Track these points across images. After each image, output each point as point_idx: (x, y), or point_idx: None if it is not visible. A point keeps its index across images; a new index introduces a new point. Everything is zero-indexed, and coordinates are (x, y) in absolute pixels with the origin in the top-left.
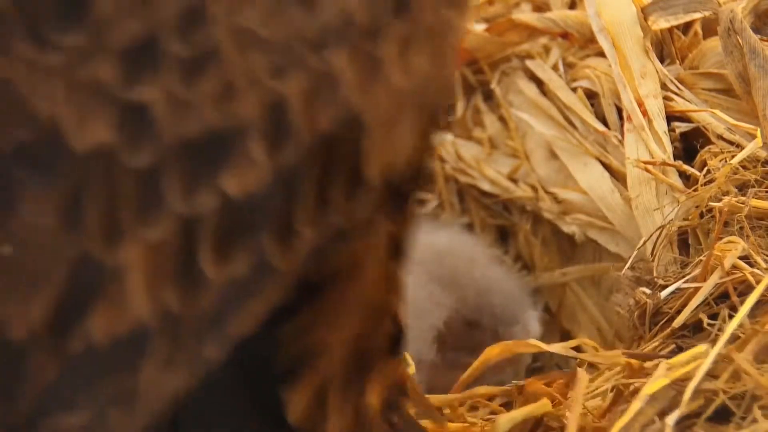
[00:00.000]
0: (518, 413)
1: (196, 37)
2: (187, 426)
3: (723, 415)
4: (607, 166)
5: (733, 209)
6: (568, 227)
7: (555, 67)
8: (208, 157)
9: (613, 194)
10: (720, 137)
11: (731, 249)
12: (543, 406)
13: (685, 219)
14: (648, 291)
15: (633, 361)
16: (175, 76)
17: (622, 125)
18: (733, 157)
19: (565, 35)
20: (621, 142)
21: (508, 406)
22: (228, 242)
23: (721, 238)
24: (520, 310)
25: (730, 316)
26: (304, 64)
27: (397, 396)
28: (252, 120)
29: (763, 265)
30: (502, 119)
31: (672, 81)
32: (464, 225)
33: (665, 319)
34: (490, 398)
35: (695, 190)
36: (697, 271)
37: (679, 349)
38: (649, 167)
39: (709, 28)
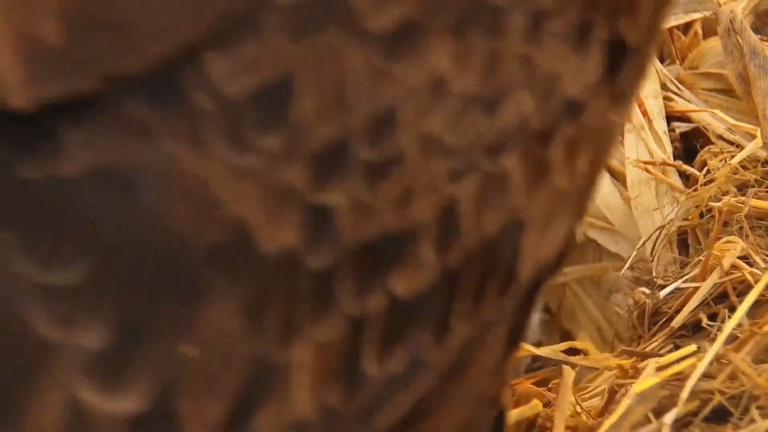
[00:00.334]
0: (510, 415)
1: (384, 142)
2: None
3: (720, 415)
4: (607, 166)
5: (733, 209)
6: None
7: None
8: (382, 258)
9: (613, 194)
10: (720, 137)
11: (730, 249)
12: (534, 407)
13: (684, 219)
14: (647, 291)
15: (624, 362)
16: (360, 180)
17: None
18: (733, 157)
19: None
20: (621, 142)
21: None
22: (390, 341)
23: (720, 238)
24: None
25: (730, 316)
26: (479, 167)
27: None
28: (426, 223)
29: (762, 264)
30: None
31: (672, 81)
32: None
33: (664, 319)
34: None
35: (695, 190)
36: (696, 271)
37: (678, 349)
38: (649, 167)
39: (709, 28)
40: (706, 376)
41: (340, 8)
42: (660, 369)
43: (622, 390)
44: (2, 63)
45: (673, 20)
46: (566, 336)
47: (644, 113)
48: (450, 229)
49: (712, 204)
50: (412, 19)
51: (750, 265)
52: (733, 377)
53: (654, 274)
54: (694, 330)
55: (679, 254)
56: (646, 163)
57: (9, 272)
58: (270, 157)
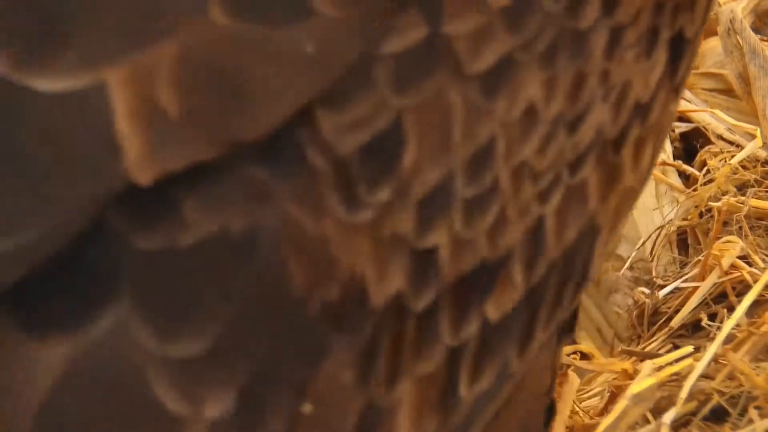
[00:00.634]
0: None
1: (482, 178)
2: None
3: (719, 414)
4: None
5: (732, 209)
6: None
7: None
8: (477, 287)
9: None
10: (720, 137)
11: (729, 249)
12: None
13: (684, 219)
14: (647, 291)
15: (627, 366)
16: (460, 217)
17: None
18: (732, 157)
19: None
20: None
21: None
22: (481, 362)
23: (719, 238)
24: None
25: (729, 316)
26: (562, 183)
27: None
28: (516, 246)
29: (761, 264)
30: None
31: None
32: None
33: (664, 319)
34: None
35: (695, 190)
36: (695, 271)
37: (677, 349)
38: None
39: (709, 28)
40: (705, 376)
41: (444, 52)
42: (658, 369)
43: (622, 392)
44: (125, 132)
45: None
46: None
47: None
48: (536, 249)
49: (711, 204)
50: (508, 55)
51: (749, 264)
52: (731, 377)
53: (653, 274)
54: (693, 330)
55: (679, 254)
56: None
57: (134, 347)
58: (381, 210)
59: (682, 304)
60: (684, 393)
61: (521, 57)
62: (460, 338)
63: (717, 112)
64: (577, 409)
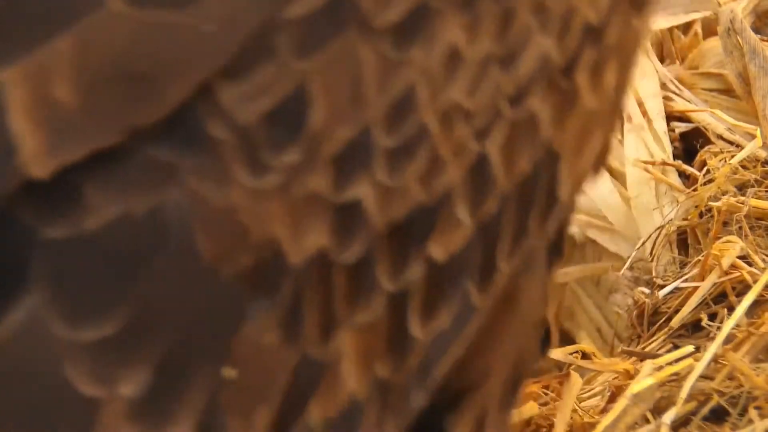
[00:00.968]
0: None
1: (404, 127)
2: None
3: (719, 414)
4: (606, 166)
5: (732, 209)
6: None
7: None
8: (416, 231)
9: (612, 194)
10: (720, 137)
11: (729, 248)
12: (530, 408)
13: (684, 219)
14: (647, 290)
15: (627, 366)
16: (384, 168)
17: (621, 125)
18: (732, 157)
19: None
20: (621, 142)
21: None
22: (434, 302)
23: (719, 238)
24: None
25: (729, 316)
26: (504, 118)
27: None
28: (456, 185)
29: (761, 264)
30: None
31: (672, 81)
32: None
33: (664, 319)
34: None
35: (694, 190)
36: (695, 271)
37: (677, 348)
38: (649, 167)
39: (709, 28)
40: (705, 376)
41: (349, 10)
42: (658, 369)
43: (622, 391)
44: (20, 130)
45: (673, 20)
46: (566, 335)
47: (644, 113)
48: (481, 184)
49: (711, 204)
50: (422, 4)
51: (749, 264)
52: (731, 377)
53: (653, 274)
54: (693, 330)
55: (679, 254)
56: (645, 163)
57: (46, 335)
58: (290, 172)
59: (682, 304)
60: (684, 393)
61: (436, 4)
62: (401, 283)
63: (717, 112)
64: (578, 408)
